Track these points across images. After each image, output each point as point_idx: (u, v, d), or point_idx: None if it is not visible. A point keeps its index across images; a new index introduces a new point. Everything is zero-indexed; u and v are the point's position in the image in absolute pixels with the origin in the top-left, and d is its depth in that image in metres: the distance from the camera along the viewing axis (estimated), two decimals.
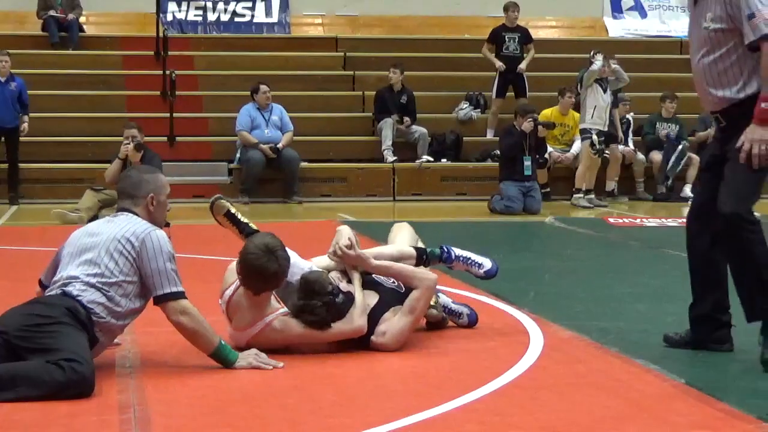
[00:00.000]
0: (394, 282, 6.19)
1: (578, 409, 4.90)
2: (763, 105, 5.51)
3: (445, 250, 6.56)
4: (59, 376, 4.89)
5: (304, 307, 5.82)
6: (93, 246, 5.44)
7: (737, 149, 5.57)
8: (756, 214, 5.71)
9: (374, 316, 5.98)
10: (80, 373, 4.92)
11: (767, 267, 5.59)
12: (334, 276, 6.05)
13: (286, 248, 5.96)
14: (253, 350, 5.57)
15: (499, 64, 17.31)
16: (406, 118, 16.91)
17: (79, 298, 5.29)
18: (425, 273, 6.15)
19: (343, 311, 5.88)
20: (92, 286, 5.32)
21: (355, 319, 5.91)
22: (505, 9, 17.60)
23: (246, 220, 6.68)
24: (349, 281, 6.10)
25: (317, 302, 5.80)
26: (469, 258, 6.62)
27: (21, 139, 15.47)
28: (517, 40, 17.47)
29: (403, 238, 6.64)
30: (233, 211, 6.68)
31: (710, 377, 5.51)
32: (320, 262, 6.48)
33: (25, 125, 15.39)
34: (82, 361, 4.96)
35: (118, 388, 5.14)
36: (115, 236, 5.43)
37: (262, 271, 5.70)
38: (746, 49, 5.58)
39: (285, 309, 5.91)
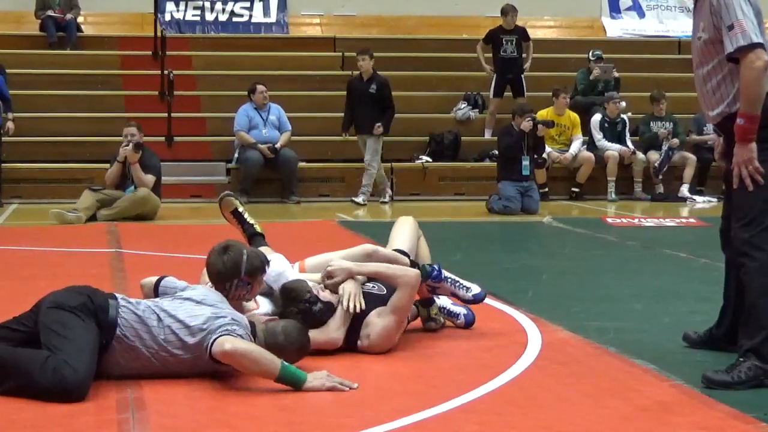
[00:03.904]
0: (374, 286, 6.18)
1: (576, 409, 4.90)
2: (739, 121, 5.35)
3: (436, 268, 6.52)
4: (48, 379, 4.88)
5: (281, 315, 5.86)
6: (184, 311, 5.34)
7: (731, 171, 5.42)
8: None
9: (357, 321, 5.97)
10: (69, 382, 4.89)
11: (760, 300, 5.35)
12: (314, 285, 6.01)
13: (276, 259, 6.09)
14: (325, 372, 5.28)
15: (488, 68, 17.38)
16: (378, 125, 15.57)
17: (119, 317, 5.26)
18: (405, 271, 6.07)
19: (321, 320, 5.87)
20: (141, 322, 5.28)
21: (331, 331, 5.88)
22: (504, 13, 17.51)
23: (252, 221, 6.78)
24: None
25: (293, 309, 5.80)
26: (458, 281, 6.59)
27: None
28: (514, 42, 17.44)
29: (403, 237, 6.62)
30: (240, 209, 6.79)
31: None
32: (314, 261, 6.50)
33: (10, 124, 15.26)
34: (76, 368, 4.92)
35: (117, 388, 5.13)
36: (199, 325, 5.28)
37: (208, 265, 5.70)
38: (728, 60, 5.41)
39: (261, 310, 5.93)
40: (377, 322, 5.94)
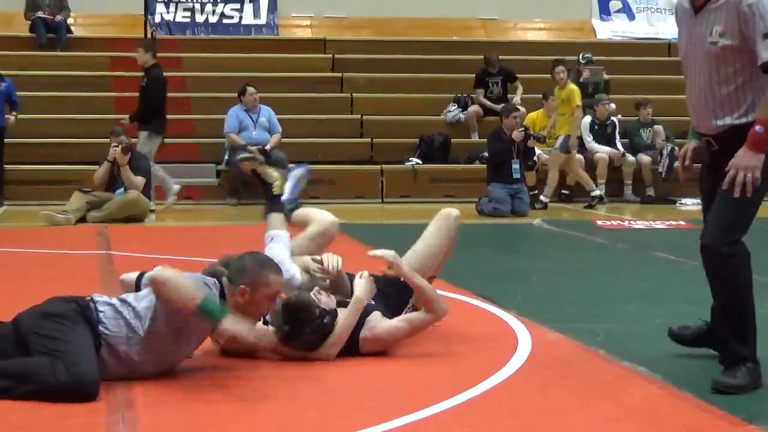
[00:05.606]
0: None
1: (566, 412, 4.91)
2: (758, 129, 5.13)
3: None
4: (64, 379, 4.88)
5: (293, 333, 5.73)
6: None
7: (724, 175, 5.23)
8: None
9: (355, 327, 5.94)
10: (88, 379, 4.91)
11: (732, 306, 5.34)
12: (316, 294, 5.91)
13: (276, 249, 6.05)
14: (266, 327, 5.33)
15: (494, 107, 17.57)
16: (122, 120, 14.91)
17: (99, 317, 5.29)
18: (441, 304, 6.07)
19: (331, 330, 5.83)
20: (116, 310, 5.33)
21: (330, 347, 5.82)
22: (487, 60, 17.58)
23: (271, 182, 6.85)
24: (330, 293, 6.06)
25: (307, 329, 5.73)
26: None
27: (9, 140, 15.42)
28: (500, 84, 17.70)
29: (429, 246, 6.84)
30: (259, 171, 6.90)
31: (698, 380, 5.49)
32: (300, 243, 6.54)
33: (14, 117, 15.28)
34: (89, 366, 4.95)
35: (107, 390, 5.12)
36: None
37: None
38: (757, 71, 5.18)
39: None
40: (388, 321, 5.93)
